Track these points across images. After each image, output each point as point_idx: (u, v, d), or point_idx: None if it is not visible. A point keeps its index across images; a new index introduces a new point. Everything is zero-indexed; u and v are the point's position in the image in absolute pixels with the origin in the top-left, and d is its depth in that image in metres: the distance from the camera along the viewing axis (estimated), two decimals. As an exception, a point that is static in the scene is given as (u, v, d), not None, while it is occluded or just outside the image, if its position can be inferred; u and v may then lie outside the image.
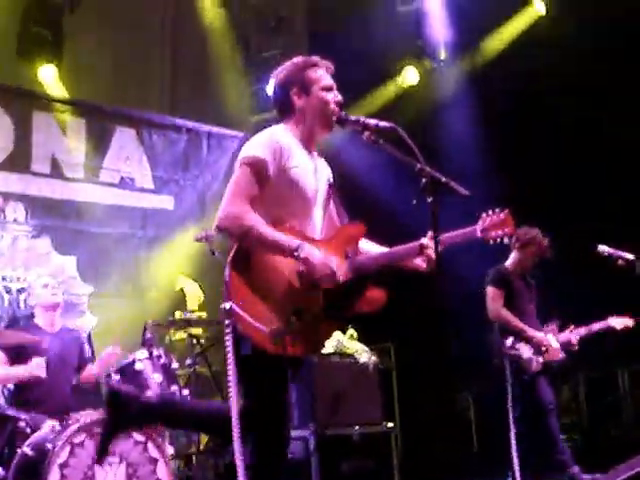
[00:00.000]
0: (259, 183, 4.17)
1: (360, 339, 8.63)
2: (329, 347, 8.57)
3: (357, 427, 7.99)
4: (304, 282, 4.14)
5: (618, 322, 7.60)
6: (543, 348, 7.26)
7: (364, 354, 8.43)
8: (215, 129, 10.37)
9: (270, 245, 4.10)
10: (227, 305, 4.03)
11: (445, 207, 4.09)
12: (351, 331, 8.66)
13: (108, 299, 9.18)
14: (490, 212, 4.41)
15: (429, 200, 4.05)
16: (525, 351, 7.26)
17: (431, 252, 4.26)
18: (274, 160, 4.20)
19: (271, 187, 4.20)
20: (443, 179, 4.13)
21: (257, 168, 4.18)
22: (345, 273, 4.25)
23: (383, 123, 4.32)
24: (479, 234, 4.37)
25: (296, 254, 4.08)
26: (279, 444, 4.22)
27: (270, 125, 4.45)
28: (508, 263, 7.70)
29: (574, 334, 7.50)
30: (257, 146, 4.25)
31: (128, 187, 9.68)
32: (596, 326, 7.60)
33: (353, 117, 4.41)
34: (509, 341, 7.22)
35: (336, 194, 4.60)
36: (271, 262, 4.12)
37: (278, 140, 4.28)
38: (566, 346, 7.46)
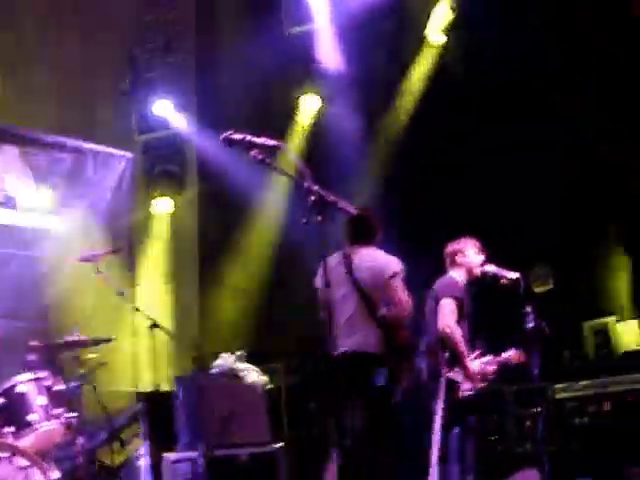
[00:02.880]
0: None
1: (249, 359, 8.61)
2: (217, 367, 8.54)
3: (246, 448, 7.96)
4: None
5: (515, 355, 7.40)
6: (473, 380, 7.02)
7: (252, 374, 8.42)
8: (101, 148, 10.23)
9: None
10: None
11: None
12: (240, 352, 8.64)
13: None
14: None
15: (318, 219, 4.10)
16: (459, 376, 7.00)
17: None
18: None
19: None
20: (331, 198, 4.18)
21: None
22: None
23: (270, 141, 4.32)
24: None
25: None
26: None
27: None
28: (454, 275, 7.36)
29: (492, 366, 7.30)
30: None
31: (12, 206, 9.48)
32: (506, 357, 7.39)
33: (239, 136, 4.39)
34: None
35: None
36: None
37: None
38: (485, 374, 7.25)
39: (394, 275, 6.35)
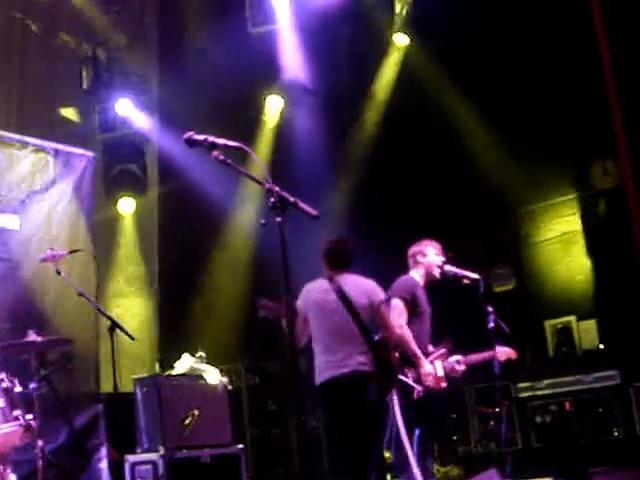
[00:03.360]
0: None
1: (209, 360, 8.57)
2: (178, 369, 8.49)
3: (207, 449, 7.93)
4: None
5: (502, 352, 7.40)
6: (426, 381, 6.99)
7: (213, 375, 8.38)
8: (62, 147, 10.09)
9: None
10: None
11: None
12: (200, 353, 8.60)
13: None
14: None
15: (277, 219, 4.09)
16: (410, 377, 6.99)
17: None
18: None
19: None
20: (291, 199, 4.16)
21: None
22: None
23: (232, 142, 4.30)
24: None
25: None
26: None
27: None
28: (414, 275, 7.38)
29: (461, 365, 7.32)
30: None
31: (-29, 206, 9.33)
32: (483, 356, 7.39)
33: (200, 137, 4.35)
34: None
35: None
36: None
37: None
38: (450, 373, 7.25)
39: (382, 301, 6.56)
